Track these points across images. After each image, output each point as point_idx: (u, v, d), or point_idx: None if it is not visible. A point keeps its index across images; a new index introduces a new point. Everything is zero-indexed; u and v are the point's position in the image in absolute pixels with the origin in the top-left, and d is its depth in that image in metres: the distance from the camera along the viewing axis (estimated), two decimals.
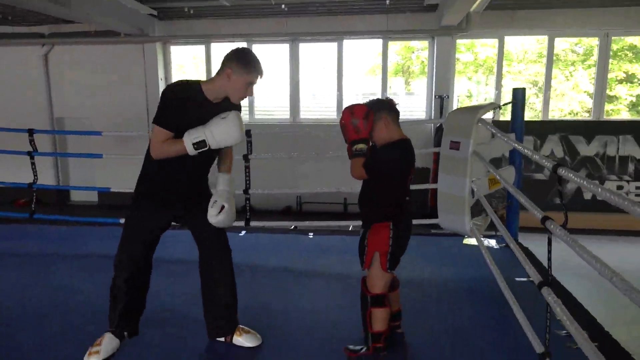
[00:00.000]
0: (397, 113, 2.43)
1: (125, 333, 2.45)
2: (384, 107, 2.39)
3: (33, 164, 4.61)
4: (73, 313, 2.94)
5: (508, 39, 8.25)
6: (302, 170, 7.96)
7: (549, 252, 1.95)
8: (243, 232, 4.55)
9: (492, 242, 4.23)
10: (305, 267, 3.81)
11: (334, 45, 8.51)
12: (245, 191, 4.20)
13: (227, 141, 2.27)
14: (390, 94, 8.65)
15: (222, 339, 2.55)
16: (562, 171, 1.84)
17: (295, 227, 4.81)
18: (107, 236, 4.50)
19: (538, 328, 2.16)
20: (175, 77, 8.96)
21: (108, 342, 2.38)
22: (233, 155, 2.58)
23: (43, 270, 3.79)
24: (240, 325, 2.57)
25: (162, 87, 8.71)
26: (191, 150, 2.22)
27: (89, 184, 8.32)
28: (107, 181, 6.93)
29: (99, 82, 8.67)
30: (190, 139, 2.21)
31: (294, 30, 8.26)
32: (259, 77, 2.30)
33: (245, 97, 2.34)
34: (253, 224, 4.26)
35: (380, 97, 2.20)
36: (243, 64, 2.23)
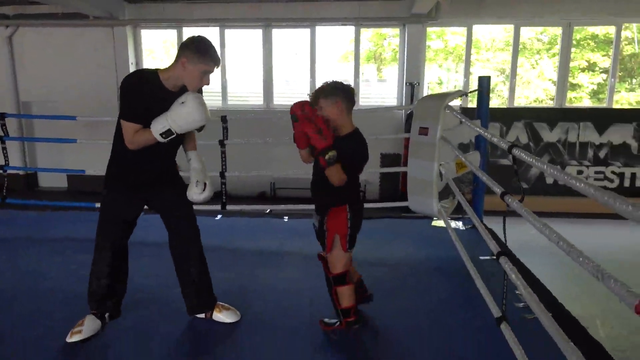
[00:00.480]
0: (352, 103, 2.46)
1: (107, 315, 2.52)
2: (340, 93, 2.40)
3: (4, 148, 4.54)
4: (42, 297, 2.98)
5: (476, 28, 8.46)
6: (276, 156, 8.03)
7: (504, 222, 2.12)
8: (219, 216, 4.63)
9: (459, 224, 4.44)
10: (280, 249, 3.94)
11: (306, 32, 8.54)
12: (222, 175, 4.27)
13: (192, 125, 2.28)
14: (362, 81, 8.77)
15: (202, 316, 2.65)
16: (515, 151, 2.01)
17: (271, 210, 4.91)
18: (79, 220, 4.55)
19: (498, 300, 2.34)
20: (145, 62, 8.83)
21: (90, 323, 2.45)
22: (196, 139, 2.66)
23: (13, 254, 3.79)
24: (220, 303, 2.68)
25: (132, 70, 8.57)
26: (160, 140, 2.26)
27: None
28: (77, 166, 6.87)
29: (67, 65, 8.47)
30: (156, 129, 2.24)
31: (268, 15, 8.25)
32: (215, 65, 2.31)
33: (202, 86, 2.33)
34: (229, 207, 4.34)
35: (347, 83, 2.27)
36: (197, 53, 2.23)
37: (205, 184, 2.46)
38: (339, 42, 8.95)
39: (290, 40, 8.75)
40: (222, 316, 2.64)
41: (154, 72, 2.30)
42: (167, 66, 2.32)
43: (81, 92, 8.44)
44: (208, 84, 2.34)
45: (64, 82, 8.50)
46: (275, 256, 3.80)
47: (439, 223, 4.49)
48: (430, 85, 8.93)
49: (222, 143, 4.28)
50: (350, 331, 2.52)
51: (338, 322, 2.54)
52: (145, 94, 2.25)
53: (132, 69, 8.53)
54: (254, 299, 2.98)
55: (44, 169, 8.63)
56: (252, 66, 8.73)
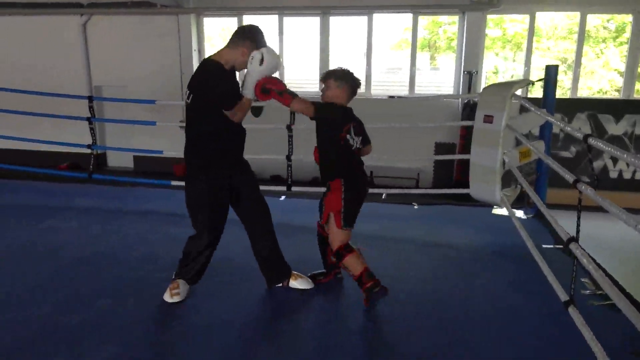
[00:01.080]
0: (354, 94, 2.78)
1: (190, 282, 2.80)
2: (349, 81, 2.72)
3: (92, 129, 4.93)
4: (142, 260, 3.31)
5: (539, 15, 8.23)
6: None
7: (579, 211, 2.17)
8: (283, 197, 4.85)
9: (520, 213, 4.45)
10: None
11: (363, 19, 8.59)
12: (288, 158, 4.47)
13: (277, 67, 2.59)
14: (415, 69, 8.74)
15: (280, 285, 2.91)
16: (591, 141, 2.05)
17: None
18: (154, 195, 4.92)
19: (564, 286, 2.40)
20: (207, 48, 9.17)
21: (183, 287, 2.75)
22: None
23: (109, 223, 4.19)
24: (294, 272, 2.94)
25: (195, 58, 8.93)
26: (252, 97, 2.59)
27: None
28: (145, 147, 7.30)
29: (135, 51, 8.93)
30: (247, 94, 2.56)
31: (326, 3, 8.36)
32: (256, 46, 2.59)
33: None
34: (294, 189, 4.54)
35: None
36: (255, 38, 2.59)
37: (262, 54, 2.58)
38: (393, 30, 8.95)
39: (346, 27, 8.83)
40: (297, 283, 2.91)
41: (217, 62, 2.59)
42: (219, 52, 2.63)
43: (147, 76, 8.88)
44: None
45: (132, 67, 8.96)
46: None
47: (499, 211, 4.52)
48: (487, 74, 8.79)
49: (289, 128, 4.46)
50: (377, 296, 2.62)
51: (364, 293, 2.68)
52: (229, 74, 2.60)
53: (194, 55, 8.89)
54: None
55: (132, 149, 8.77)
56: (309, 53, 8.90)
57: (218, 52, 2.64)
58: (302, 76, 9.01)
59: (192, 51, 8.86)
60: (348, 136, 2.68)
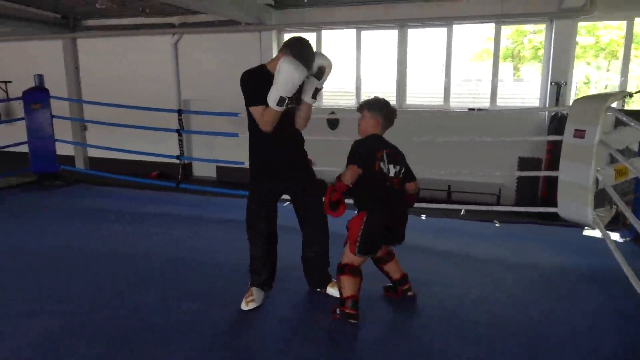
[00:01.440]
0: (389, 125, 2.75)
1: (265, 288, 2.96)
2: (384, 112, 2.71)
3: (180, 140, 5.26)
4: (224, 266, 3.46)
5: (638, 21, 7.61)
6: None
7: None
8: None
9: (615, 236, 4.10)
10: (417, 244, 4.01)
11: (442, 31, 8.44)
12: None
13: (295, 82, 2.52)
14: (498, 80, 8.40)
15: (319, 290, 3.04)
16: None
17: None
18: (233, 205, 5.13)
19: None
20: None
21: (258, 293, 2.88)
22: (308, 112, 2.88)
23: (194, 230, 4.43)
24: (334, 279, 2.96)
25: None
26: (278, 108, 2.56)
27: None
28: (227, 158, 7.65)
29: (219, 67, 9.43)
30: (272, 100, 2.55)
31: (403, 16, 8.33)
32: (308, 67, 2.61)
33: None
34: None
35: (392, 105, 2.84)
36: (296, 54, 2.58)
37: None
38: (473, 40, 8.69)
39: (424, 39, 8.72)
40: (334, 290, 2.93)
41: (261, 66, 2.75)
42: (272, 59, 2.73)
43: (230, 90, 9.28)
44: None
45: (216, 81, 9.46)
46: (415, 253, 3.88)
47: (591, 233, 4.20)
48: (577, 85, 8.25)
49: None
50: (344, 323, 2.62)
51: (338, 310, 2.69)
52: (259, 80, 2.63)
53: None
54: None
55: (215, 160, 9.35)
56: (385, 66, 8.89)
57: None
58: (379, 89, 9.00)
59: None
60: (381, 164, 2.62)
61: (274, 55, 8.97)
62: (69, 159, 9.60)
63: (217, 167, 9.68)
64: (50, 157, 6.22)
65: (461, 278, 3.35)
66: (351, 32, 8.86)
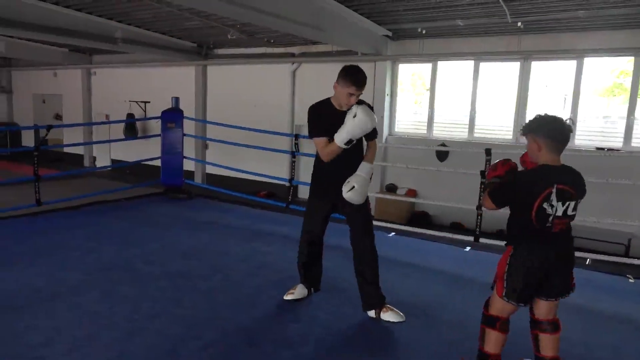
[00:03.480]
0: (558, 141, 2.26)
1: (312, 288, 3.37)
2: (544, 130, 2.27)
3: (293, 162, 5.50)
4: (330, 290, 3.49)
5: None
6: None
7: None
8: (468, 248, 4.63)
9: None
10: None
11: (569, 64, 7.89)
12: (479, 207, 4.28)
13: (364, 130, 2.81)
14: (634, 119, 7.61)
15: (372, 313, 3.10)
16: None
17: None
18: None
19: None
20: (399, 93, 9.49)
21: (300, 289, 3.35)
22: (376, 150, 3.15)
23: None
24: (388, 305, 3.06)
25: (387, 101, 9.32)
26: (343, 147, 2.86)
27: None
28: None
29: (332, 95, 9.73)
30: (340, 139, 2.83)
31: (528, 48, 7.95)
32: (357, 89, 2.82)
33: (350, 104, 2.85)
34: (482, 240, 4.31)
35: (566, 119, 2.34)
36: (343, 78, 2.84)
37: (353, 186, 2.88)
38: (603, 74, 8.00)
39: (547, 72, 8.22)
40: (387, 315, 3.04)
41: (327, 99, 3.02)
42: (335, 93, 2.98)
43: None
44: (354, 103, 2.86)
45: None
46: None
47: None
48: None
49: (483, 174, 4.29)
50: None
51: None
52: (322, 114, 2.96)
53: (387, 99, 9.28)
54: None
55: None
56: (502, 98, 8.51)
57: None
58: (495, 122, 8.63)
59: (384, 95, 9.26)
60: (545, 204, 2.19)
61: (387, 85, 9.24)
62: (190, 174, 10.47)
63: None
64: (178, 172, 6.83)
65: (586, 335, 3.03)
66: (468, 64, 8.65)
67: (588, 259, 4.36)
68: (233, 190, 7.04)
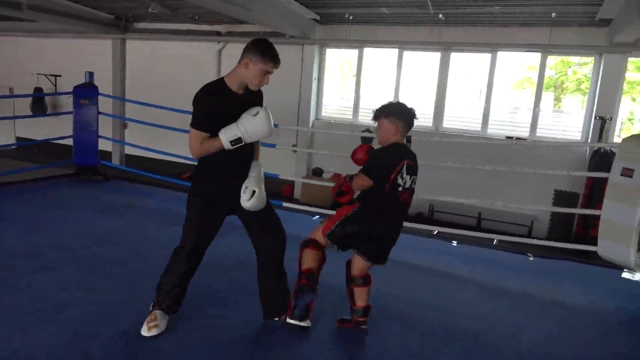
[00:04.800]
0: (409, 128, 2.64)
1: (172, 312, 2.68)
2: (402, 117, 2.60)
3: None
4: None
5: None
6: (437, 178, 8.00)
7: None
8: None
9: None
10: (452, 272, 3.94)
11: (486, 57, 8.38)
12: None
13: (259, 136, 2.51)
14: (539, 110, 8.26)
15: (277, 319, 2.74)
16: None
17: (438, 232, 4.93)
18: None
19: None
20: (327, 78, 9.55)
21: (162, 317, 2.63)
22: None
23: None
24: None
25: (314, 86, 9.35)
26: (228, 146, 2.45)
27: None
28: (270, 170, 7.75)
29: None
30: (226, 137, 2.43)
31: (448, 39, 8.31)
32: (274, 66, 2.46)
33: (262, 84, 2.51)
34: None
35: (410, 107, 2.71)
36: (261, 54, 2.42)
37: (253, 191, 2.49)
38: (515, 68, 8.59)
39: (465, 64, 8.67)
40: (293, 321, 2.68)
41: (220, 79, 2.53)
42: (233, 70, 2.51)
43: (270, 101, 9.40)
44: (267, 83, 2.51)
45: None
46: (446, 280, 3.82)
47: (630, 275, 4.05)
48: (622, 121, 8.04)
49: None
50: (300, 296, 2.63)
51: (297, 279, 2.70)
52: (213, 98, 2.46)
53: (314, 84, 9.31)
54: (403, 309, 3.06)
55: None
56: (425, 87, 8.87)
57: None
58: (416, 110, 8.96)
59: (312, 80, 9.28)
60: (398, 177, 2.52)
61: (314, 69, 9.25)
62: (107, 155, 9.88)
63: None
64: (93, 152, 6.42)
65: (492, 308, 3.28)
66: (393, 52, 8.89)
67: (495, 240, 4.69)
68: (154, 172, 6.74)
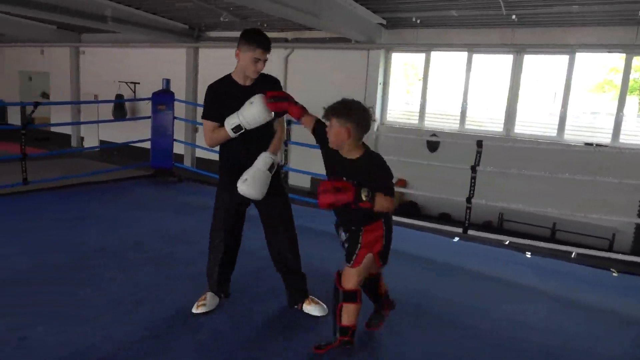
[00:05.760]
0: (366, 130, 2.35)
1: (222, 295, 2.97)
2: (353, 117, 2.29)
3: (285, 150, 5.44)
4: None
5: None
6: (509, 186, 7.67)
7: None
8: (456, 239, 4.68)
9: None
10: (523, 283, 3.76)
11: (561, 59, 7.94)
12: (468, 200, 4.31)
13: (257, 121, 2.56)
14: (622, 115, 7.69)
15: (296, 306, 2.93)
16: None
17: (509, 242, 4.73)
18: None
19: None
20: (392, 82, 9.46)
21: (211, 298, 2.91)
22: (284, 133, 2.92)
23: None
24: (311, 296, 2.89)
25: (379, 90, 9.30)
26: (231, 134, 2.61)
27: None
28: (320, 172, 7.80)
29: (326, 83, 9.67)
30: (228, 125, 2.58)
31: (522, 41, 7.96)
32: (262, 51, 2.53)
33: (258, 71, 2.58)
34: (470, 232, 4.35)
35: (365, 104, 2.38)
36: (246, 42, 2.53)
37: (246, 178, 2.60)
38: (594, 70, 8.06)
39: (539, 66, 8.26)
40: (310, 308, 2.86)
41: (228, 75, 2.70)
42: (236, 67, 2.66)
43: None
44: (261, 69, 2.59)
45: (320, 95, 9.65)
46: (519, 291, 3.64)
47: None
48: None
49: (473, 169, 4.31)
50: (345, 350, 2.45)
51: (334, 340, 2.47)
52: (220, 91, 2.66)
53: (379, 89, 9.26)
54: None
55: (310, 172, 9.91)
56: (494, 91, 8.55)
57: None
58: (486, 115, 8.67)
59: (377, 84, 9.24)
60: None
61: (380, 74, 9.20)
62: (179, 157, 10.39)
63: (312, 178, 9.89)
64: (168, 155, 6.76)
65: (567, 326, 3.08)
66: (461, 55, 8.65)
67: (573, 253, 4.42)
68: None
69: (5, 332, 2.54)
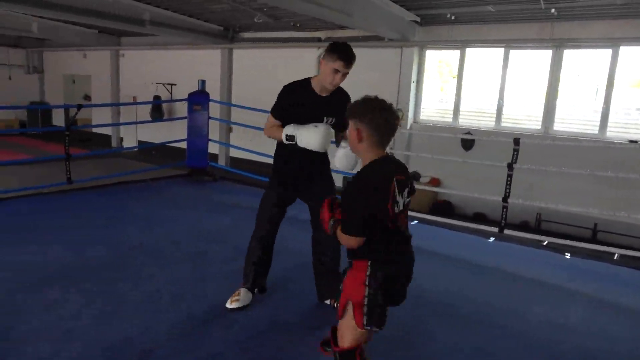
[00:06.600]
0: (383, 133, 1.86)
1: (256, 290, 3.04)
2: (368, 116, 1.85)
3: None
4: None
5: None
6: (548, 185, 7.44)
7: None
8: (492, 239, 4.58)
9: None
10: (563, 286, 3.66)
11: (604, 53, 7.63)
12: (504, 199, 4.22)
13: (309, 145, 2.59)
14: None
15: (328, 302, 2.98)
16: None
17: (548, 243, 4.60)
18: None
19: None
20: (425, 80, 9.35)
21: (245, 294, 2.98)
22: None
23: None
24: None
25: (412, 88, 9.20)
26: (282, 138, 2.67)
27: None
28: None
29: (359, 82, 9.56)
30: (285, 131, 2.64)
31: (562, 35, 7.71)
32: (344, 65, 2.53)
33: (334, 83, 2.59)
34: (507, 232, 4.25)
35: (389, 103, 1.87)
36: (329, 52, 2.55)
37: (317, 125, 2.60)
38: (637, 64, 7.70)
39: (580, 61, 7.97)
40: None
41: (307, 78, 2.75)
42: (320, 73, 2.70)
43: None
44: (339, 82, 2.61)
45: (353, 96, 9.64)
46: (557, 292, 3.54)
47: None
48: None
49: (510, 166, 4.22)
50: None
51: None
52: (293, 95, 2.71)
53: (412, 87, 9.15)
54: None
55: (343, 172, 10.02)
56: (532, 88, 8.30)
57: None
58: (524, 112, 8.43)
59: (410, 82, 9.14)
60: (395, 205, 1.82)
61: (413, 71, 9.10)
62: (214, 157, 10.58)
63: (344, 177, 9.88)
64: (203, 154, 6.91)
65: (608, 330, 2.98)
66: (498, 51, 8.45)
67: (616, 254, 4.26)
68: (256, 174, 7.08)
69: (53, 323, 2.67)
